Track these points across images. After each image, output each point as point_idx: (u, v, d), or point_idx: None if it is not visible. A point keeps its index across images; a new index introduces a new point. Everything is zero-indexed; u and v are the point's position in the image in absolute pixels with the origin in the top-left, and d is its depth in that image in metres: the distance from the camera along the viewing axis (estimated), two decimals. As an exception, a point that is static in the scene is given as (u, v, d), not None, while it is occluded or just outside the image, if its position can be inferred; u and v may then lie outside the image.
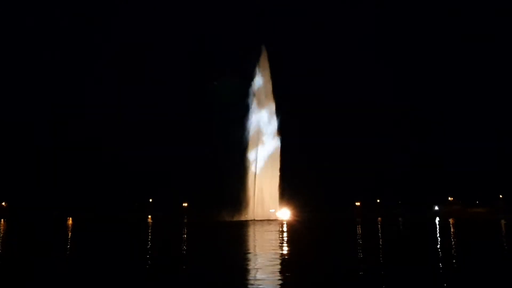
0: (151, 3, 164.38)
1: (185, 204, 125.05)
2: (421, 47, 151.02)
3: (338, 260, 17.71)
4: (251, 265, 16.18)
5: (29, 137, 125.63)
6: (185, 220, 67.20)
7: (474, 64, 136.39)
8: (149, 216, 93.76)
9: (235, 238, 30.17)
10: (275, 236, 31.58)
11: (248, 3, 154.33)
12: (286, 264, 16.16)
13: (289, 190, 72.05)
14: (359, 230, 39.15)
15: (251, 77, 75.39)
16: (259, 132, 73.09)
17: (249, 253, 20.72)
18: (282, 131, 74.19)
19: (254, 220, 61.95)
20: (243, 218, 65.37)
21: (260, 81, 75.19)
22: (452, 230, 39.96)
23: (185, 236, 32.84)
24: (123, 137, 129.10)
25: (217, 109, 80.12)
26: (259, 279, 13.05)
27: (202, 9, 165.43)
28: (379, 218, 74.36)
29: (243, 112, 74.42)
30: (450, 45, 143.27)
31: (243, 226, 43.85)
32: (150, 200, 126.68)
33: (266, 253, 20.10)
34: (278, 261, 16.91)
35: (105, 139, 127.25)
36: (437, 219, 72.17)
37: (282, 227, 42.92)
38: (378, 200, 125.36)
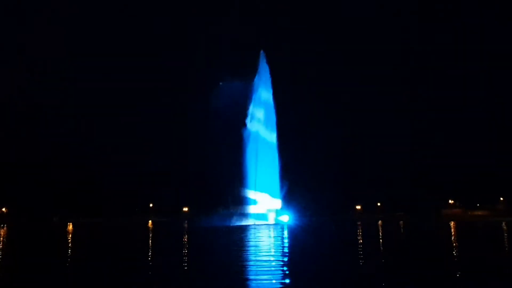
0: (149, 4, 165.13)
1: (185, 209, 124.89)
2: (420, 50, 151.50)
3: (339, 267, 17.62)
4: (251, 271, 16.11)
5: (30, 139, 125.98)
6: (186, 225, 67.05)
7: (475, 65, 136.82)
8: (150, 221, 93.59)
9: (235, 243, 30.06)
10: (275, 241, 31.49)
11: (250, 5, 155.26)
12: (286, 272, 16.06)
13: (289, 194, 71.96)
14: (359, 234, 39.06)
15: (250, 81, 75.56)
16: (258, 136, 73.14)
17: (249, 259, 20.63)
18: (281, 134, 74.28)
19: (255, 224, 61.80)
20: (243, 222, 65.18)
21: (259, 85, 75.29)
22: (453, 233, 39.85)
23: (185, 241, 32.75)
24: (123, 141, 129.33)
25: (218, 111, 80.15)
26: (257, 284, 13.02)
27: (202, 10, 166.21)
28: (380, 222, 74.19)
29: (242, 116, 74.55)
30: (447, 47, 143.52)
31: (243, 231, 43.74)
32: (151, 205, 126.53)
33: (266, 259, 20.02)
34: (278, 268, 16.82)
35: (105, 143, 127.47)
36: (438, 222, 72.04)
37: (282, 231, 42.81)
38: (379, 204, 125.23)
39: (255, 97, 74.88)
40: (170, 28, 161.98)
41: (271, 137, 73.37)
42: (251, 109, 74.58)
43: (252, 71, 76.45)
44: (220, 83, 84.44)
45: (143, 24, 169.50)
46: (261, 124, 73.78)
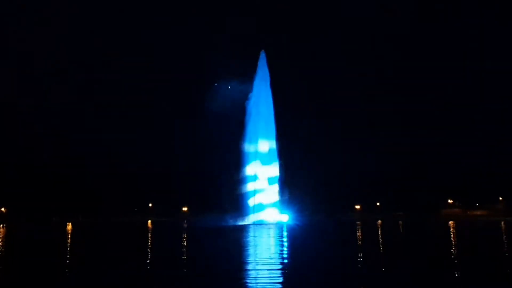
0: (151, 5, 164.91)
1: (185, 209, 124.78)
2: (420, 50, 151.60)
3: (338, 268, 17.59)
4: (250, 271, 16.09)
5: (29, 139, 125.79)
6: (185, 225, 67.01)
7: (474, 65, 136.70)
8: (149, 221, 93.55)
9: (234, 243, 30.03)
10: (274, 241, 31.47)
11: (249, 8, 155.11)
12: (285, 272, 16.03)
13: (289, 193, 71.91)
14: (358, 234, 39.05)
15: (250, 81, 75.51)
16: (257, 135, 73.04)
17: (249, 259, 20.62)
18: (280, 134, 74.19)
19: (254, 224, 61.81)
20: (242, 222, 65.16)
21: (259, 85, 75.20)
22: (452, 232, 39.84)
23: (185, 241, 32.71)
24: (123, 141, 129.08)
25: (216, 110, 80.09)
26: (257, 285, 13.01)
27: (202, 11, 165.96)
28: (379, 221, 74.23)
29: (241, 115, 74.50)
30: (447, 47, 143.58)
31: (242, 231, 43.72)
32: (150, 205, 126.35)
33: (265, 259, 19.99)
34: (277, 269, 16.78)
35: (105, 143, 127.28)
36: (438, 222, 72.06)
37: (282, 231, 42.79)
38: (378, 203, 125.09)
39: (254, 97, 74.76)
40: (170, 28, 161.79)
41: (271, 137, 73.33)
42: (250, 109, 74.50)
43: (251, 71, 76.48)
44: (215, 84, 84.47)
45: (143, 24, 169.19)
46: (260, 124, 73.68)
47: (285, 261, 19.03)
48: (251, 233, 40.12)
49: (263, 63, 75.75)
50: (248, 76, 76.34)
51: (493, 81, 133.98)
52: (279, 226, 55.42)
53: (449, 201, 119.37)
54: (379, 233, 40.39)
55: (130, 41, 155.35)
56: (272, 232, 41.39)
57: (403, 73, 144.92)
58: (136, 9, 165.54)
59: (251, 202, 69.62)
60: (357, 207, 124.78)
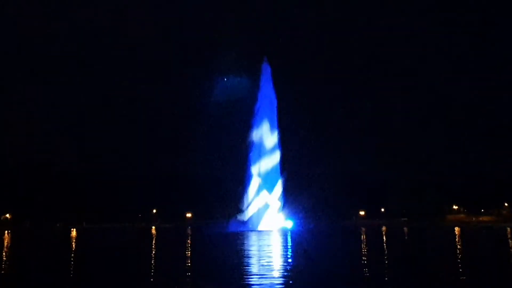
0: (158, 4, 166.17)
1: (189, 215, 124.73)
2: (424, 56, 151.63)
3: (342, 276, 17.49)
4: (253, 278, 16.03)
5: (33, 146, 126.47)
6: (189, 231, 66.89)
7: (482, 73, 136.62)
8: (153, 227, 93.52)
9: (239, 250, 29.93)
10: (278, 248, 31.35)
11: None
12: (288, 279, 15.97)
13: (292, 199, 71.76)
14: (363, 242, 38.85)
15: (253, 84, 75.69)
16: (261, 141, 73.03)
17: (252, 265, 20.54)
18: (283, 139, 74.17)
19: (258, 230, 61.65)
20: (247, 228, 65.03)
21: (261, 90, 75.32)
22: (458, 239, 39.54)
23: (189, 248, 32.65)
24: (125, 147, 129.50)
25: (220, 111, 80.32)
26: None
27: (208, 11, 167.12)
28: (384, 228, 73.80)
29: (244, 123, 74.67)
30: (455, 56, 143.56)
31: (246, 237, 43.59)
32: (154, 211, 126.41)
33: (269, 267, 19.91)
34: (280, 276, 16.71)
35: (108, 149, 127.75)
36: (443, 228, 71.55)
37: (286, 238, 42.61)
38: (382, 210, 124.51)
39: (257, 103, 74.89)
40: (171, 29, 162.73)
41: (273, 142, 73.27)
42: (253, 114, 74.62)
43: (254, 75, 76.69)
44: (225, 79, 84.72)
45: (146, 24, 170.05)
46: (263, 129, 73.66)
47: (287, 266, 18.93)
48: (255, 239, 39.96)
49: (266, 67, 75.86)
50: (251, 80, 76.72)
51: (499, 88, 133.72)
52: (284, 232, 55.16)
53: (454, 207, 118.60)
54: (383, 240, 40.15)
55: (130, 41, 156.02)
56: (277, 238, 41.20)
57: (408, 80, 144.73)
58: (140, 12, 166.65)
59: (255, 208, 69.49)
60: (362, 213, 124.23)
